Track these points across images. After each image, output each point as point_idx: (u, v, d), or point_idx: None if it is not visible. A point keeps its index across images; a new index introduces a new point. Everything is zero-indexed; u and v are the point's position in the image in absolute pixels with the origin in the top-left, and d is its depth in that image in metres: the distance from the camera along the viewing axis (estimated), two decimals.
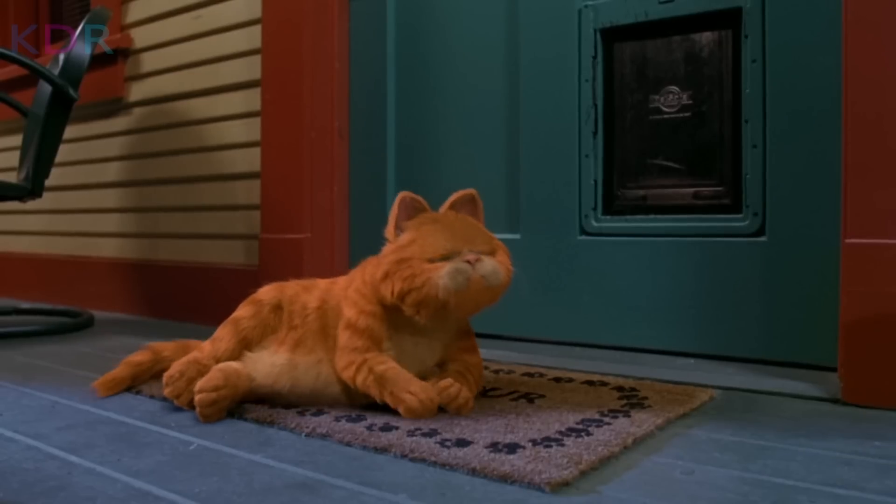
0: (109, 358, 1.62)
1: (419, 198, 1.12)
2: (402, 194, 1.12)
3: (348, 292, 1.14)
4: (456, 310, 1.06)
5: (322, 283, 1.22)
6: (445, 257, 1.04)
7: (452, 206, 1.15)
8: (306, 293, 1.19)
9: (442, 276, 1.02)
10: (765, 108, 1.45)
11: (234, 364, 1.12)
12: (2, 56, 1.87)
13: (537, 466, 0.83)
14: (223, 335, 1.17)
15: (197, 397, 1.07)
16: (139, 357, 1.29)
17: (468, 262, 1.03)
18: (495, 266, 1.05)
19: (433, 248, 1.05)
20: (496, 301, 1.11)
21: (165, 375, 1.13)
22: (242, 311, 1.19)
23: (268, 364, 1.13)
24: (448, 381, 1.07)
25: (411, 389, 1.03)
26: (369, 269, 1.13)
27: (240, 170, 2.16)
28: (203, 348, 1.18)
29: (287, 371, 1.12)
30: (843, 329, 1.18)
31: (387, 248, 1.11)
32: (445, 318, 1.09)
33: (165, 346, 1.32)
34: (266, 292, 1.21)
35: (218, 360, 1.14)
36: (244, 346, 1.16)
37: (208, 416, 1.07)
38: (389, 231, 1.12)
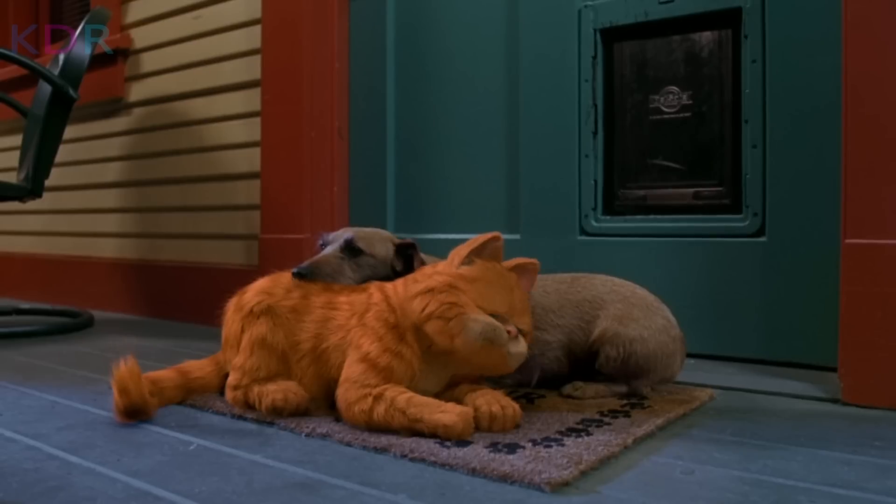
0: (109, 358, 1.62)
1: (501, 245, 1.08)
2: (497, 235, 1.06)
3: (367, 318, 1.05)
4: (459, 359, 1.01)
5: (317, 303, 1.12)
6: (494, 316, 1.00)
7: (478, 251, 1.07)
8: (296, 318, 1.11)
9: (478, 323, 0.98)
10: (765, 108, 1.45)
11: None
12: (2, 56, 1.87)
13: (537, 466, 0.83)
14: (263, 364, 1.10)
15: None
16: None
17: (508, 332, 1.00)
18: (521, 352, 1.02)
19: (490, 302, 1.01)
20: (493, 374, 1.09)
21: (271, 407, 1.07)
22: (257, 328, 1.11)
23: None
24: (481, 401, 1.01)
25: (444, 409, 0.96)
26: (399, 288, 1.06)
27: (240, 170, 2.16)
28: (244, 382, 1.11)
29: None
30: (843, 329, 1.18)
31: (444, 267, 1.05)
32: (445, 364, 1.04)
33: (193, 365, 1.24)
34: (256, 303, 1.13)
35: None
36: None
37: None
38: (458, 254, 1.06)
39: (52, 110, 1.91)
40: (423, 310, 0.99)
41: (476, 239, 1.06)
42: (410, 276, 1.08)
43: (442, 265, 1.06)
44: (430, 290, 1.00)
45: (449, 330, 0.98)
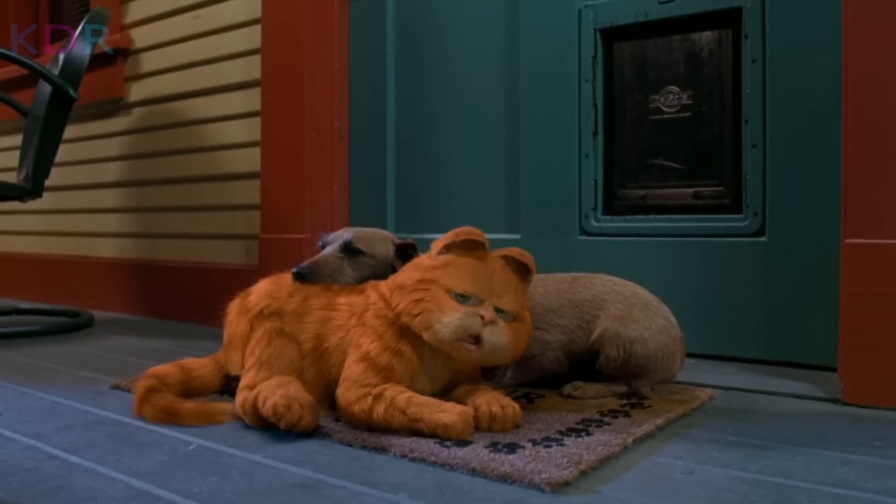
0: (109, 358, 1.62)
1: (485, 241, 1.06)
2: (479, 233, 1.05)
3: (366, 317, 1.05)
4: (446, 354, 1.01)
5: (316, 304, 1.12)
6: (465, 297, 0.99)
7: (452, 245, 1.07)
8: (297, 321, 1.11)
9: (445, 325, 0.97)
10: (765, 108, 1.45)
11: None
12: (2, 56, 1.87)
13: (537, 466, 0.83)
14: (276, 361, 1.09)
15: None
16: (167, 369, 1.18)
17: (482, 316, 0.98)
18: (501, 343, 0.98)
19: (460, 282, 1.00)
20: (468, 365, 1.07)
21: (272, 412, 1.00)
22: (268, 326, 1.10)
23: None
24: (481, 401, 1.01)
25: (444, 408, 0.95)
26: (390, 282, 1.06)
27: (240, 170, 2.16)
28: (257, 380, 1.08)
29: None
30: (843, 329, 1.18)
31: (421, 259, 1.07)
32: (443, 360, 1.04)
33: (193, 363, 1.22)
34: (265, 305, 1.13)
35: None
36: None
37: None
38: (437, 244, 1.07)
39: (52, 110, 1.91)
40: (398, 307, 1.01)
41: (456, 231, 1.05)
42: (398, 272, 1.08)
43: (422, 257, 1.08)
44: (401, 288, 1.02)
45: (417, 325, 0.99)
